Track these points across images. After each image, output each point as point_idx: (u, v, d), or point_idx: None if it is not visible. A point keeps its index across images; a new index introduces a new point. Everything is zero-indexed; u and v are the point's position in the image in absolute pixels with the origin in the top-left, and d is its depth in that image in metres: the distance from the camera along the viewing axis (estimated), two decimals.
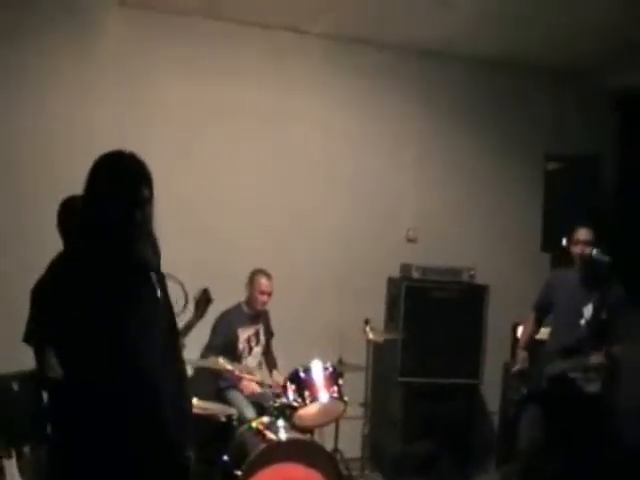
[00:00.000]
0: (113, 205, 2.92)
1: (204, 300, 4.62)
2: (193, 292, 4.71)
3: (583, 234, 5.20)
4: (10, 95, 6.17)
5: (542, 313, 5.60)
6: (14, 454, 5.50)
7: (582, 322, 5.14)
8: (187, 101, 6.63)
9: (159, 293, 3.00)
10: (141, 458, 2.96)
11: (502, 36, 6.70)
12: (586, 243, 5.15)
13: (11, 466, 5.45)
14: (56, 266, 3.48)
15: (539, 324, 5.64)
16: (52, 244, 3.73)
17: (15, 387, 4.81)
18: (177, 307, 2.98)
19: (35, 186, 6.03)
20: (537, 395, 5.27)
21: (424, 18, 6.40)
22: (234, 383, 6.03)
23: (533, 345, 5.55)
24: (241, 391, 5.99)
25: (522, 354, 5.54)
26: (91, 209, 2.99)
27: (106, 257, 2.91)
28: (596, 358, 4.97)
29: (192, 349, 5.20)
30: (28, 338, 3.97)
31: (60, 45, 6.30)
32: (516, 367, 5.55)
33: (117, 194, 2.93)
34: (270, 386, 6.06)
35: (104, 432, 2.90)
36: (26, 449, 4.92)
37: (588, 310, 5.14)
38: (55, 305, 3.04)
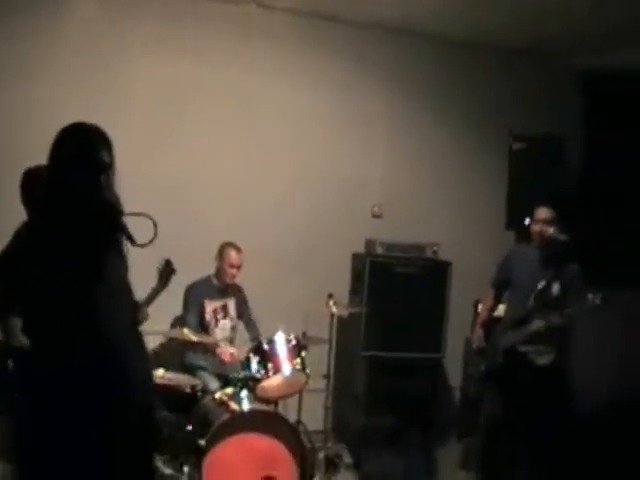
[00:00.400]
0: (77, 169, 3.02)
1: (167, 270, 4.66)
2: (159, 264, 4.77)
3: (543, 213, 5.26)
4: None
5: (500, 289, 5.66)
6: None
7: (533, 295, 5.24)
8: (158, 80, 6.64)
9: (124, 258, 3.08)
10: (112, 424, 3.02)
11: (469, 15, 6.74)
12: (546, 222, 5.20)
13: None
14: (20, 235, 3.53)
15: (497, 300, 5.70)
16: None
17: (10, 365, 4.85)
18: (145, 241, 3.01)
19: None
20: (494, 371, 5.37)
21: None
22: (205, 354, 6.09)
23: (491, 322, 5.63)
24: (217, 357, 6.00)
25: (479, 332, 5.60)
26: (55, 175, 3.07)
27: (71, 223, 2.97)
28: (537, 324, 5.09)
29: (158, 320, 5.23)
30: None
31: (29, 29, 6.25)
32: (474, 345, 5.64)
33: (80, 158, 3.03)
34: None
35: (72, 399, 2.96)
36: None
37: (541, 285, 5.25)
38: (21, 274, 3.09)
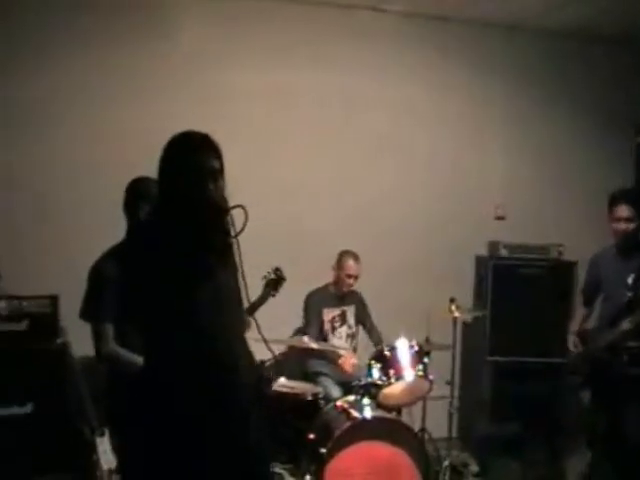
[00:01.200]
0: (187, 175, 3.02)
1: (276, 278, 4.64)
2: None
3: (624, 211, 5.12)
4: (106, 92, 6.30)
5: (591, 294, 5.48)
6: (107, 433, 5.66)
7: (627, 292, 5.00)
8: (269, 88, 6.65)
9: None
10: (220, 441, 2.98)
11: (593, 7, 6.51)
12: (629, 219, 5.09)
13: (103, 442, 5.59)
14: (123, 245, 3.58)
15: (591, 306, 5.52)
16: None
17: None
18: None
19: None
20: (598, 373, 5.14)
21: None
22: (325, 362, 6.04)
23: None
24: (339, 368, 5.95)
25: (574, 339, 5.42)
26: (166, 182, 3.09)
27: (182, 233, 2.95)
28: (626, 324, 4.88)
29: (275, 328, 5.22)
30: (85, 314, 4.07)
31: (142, 39, 6.39)
32: (572, 354, 5.43)
33: (188, 166, 3.04)
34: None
35: (174, 419, 2.94)
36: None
37: (631, 279, 5.00)
38: (128, 284, 3.10)
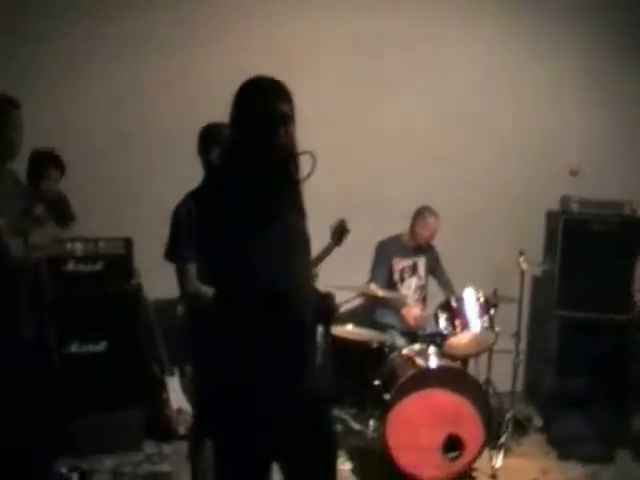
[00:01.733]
0: (257, 121, 3.01)
1: (340, 230, 4.67)
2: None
3: None
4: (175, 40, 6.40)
5: None
6: (177, 372, 5.81)
7: None
8: (340, 36, 6.66)
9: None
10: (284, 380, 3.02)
11: None
12: None
13: (173, 381, 5.76)
14: (200, 189, 3.65)
15: None
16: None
17: (180, 310, 5.04)
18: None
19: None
20: None
21: None
22: (392, 311, 6.10)
23: None
24: (402, 318, 6.03)
25: None
26: (237, 128, 3.09)
27: (251, 173, 2.99)
28: None
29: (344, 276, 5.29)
30: (169, 255, 4.16)
31: None
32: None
33: (258, 111, 3.02)
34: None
35: (246, 348, 3.00)
36: (188, 367, 5.17)
37: None
38: (202, 222, 3.17)
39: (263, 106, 3.04)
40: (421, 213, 6.20)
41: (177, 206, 4.13)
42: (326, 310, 3.80)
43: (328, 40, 6.64)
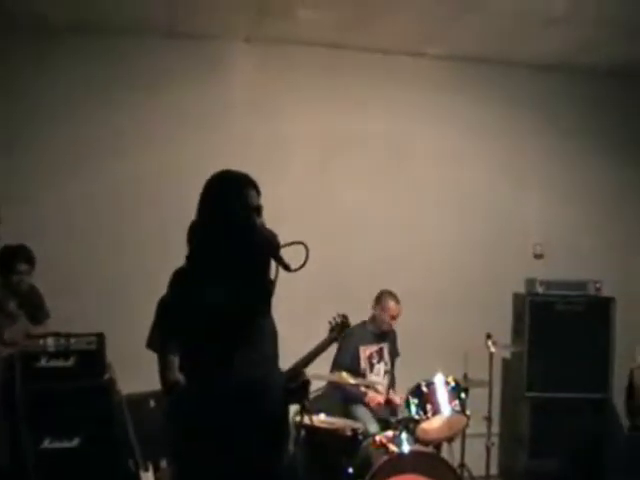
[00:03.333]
0: (230, 211, 3.13)
1: (342, 324, 4.74)
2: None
3: None
4: (151, 133, 6.64)
5: None
6: (151, 467, 5.76)
7: None
8: (315, 133, 6.88)
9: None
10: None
11: (620, 46, 6.59)
12: None
13: (147, 477, 5.70)
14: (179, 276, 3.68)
15: None
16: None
17: (152, 404, 5.04)
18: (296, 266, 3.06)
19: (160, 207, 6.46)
20: None
21: (540, 33, 6.40)
22: (360, 398, 6.12)
23: None
24: (367, 405, 6.06)
25: None
26: (210, 215, 3.19)
27: (232, 259, 3.08)
28: None
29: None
30: (150, 344, 4.17)
31: (191, 86, 6.69)
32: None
33: (237, 201, 3.15)
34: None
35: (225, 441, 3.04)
36: (163, 463, 5.15)
37: None
38: (182, 310, 3.21)
39: (242, 196, 3.16)
40: (381, 297, 6.28)
41: (162, 297, 4.16)
42: (299, 387, 3.82)
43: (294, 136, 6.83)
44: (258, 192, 3.24)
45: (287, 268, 3.08)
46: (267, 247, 3.07)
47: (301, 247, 3.10)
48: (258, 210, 3.19)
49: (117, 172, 6.49)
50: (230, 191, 3.19)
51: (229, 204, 3.15)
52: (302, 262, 3.06)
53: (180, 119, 6.64)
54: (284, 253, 3.10)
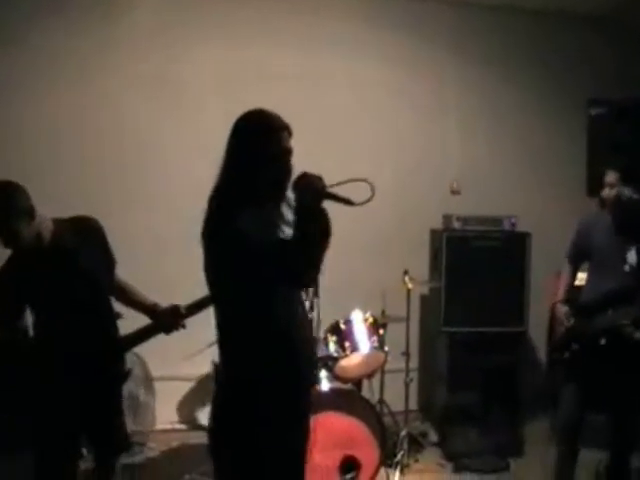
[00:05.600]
0: (278, 158, 3.11)
1: None
2: None
3: (610, 176, 5.03)
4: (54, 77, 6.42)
5: (578, 260, 5.38)
6: None
7: (626, 268, 4.92)
8: (225, 68, 6.69)
9: None
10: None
11: None
12: (612, 185, 4.98)
13: None
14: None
15: (575, 273, 5.44)
16: None
17: None
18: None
19: None
20: (591, 349, 5.01)
21: None
22: None
23: (571, 295, 5.36)
24: None
25: (563, 309, 5.27)
26: (248, 169, 3.08)
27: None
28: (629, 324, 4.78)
29: None
30: None
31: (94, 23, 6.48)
32: (563, 324, 5.29)
33: (274, 143, 3.11)
34: None
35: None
36: None
37: (632, 255, 4.90)
38: None
39: (281, 141, 3.13)
40: None
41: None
42: None
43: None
44: (290, 134, 3.18)
45: (349, 202, 3.05)
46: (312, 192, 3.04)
47: None
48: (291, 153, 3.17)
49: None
50: (271, 133, 3.11)
51: (271, 147, 3.09)
52: (368, 197, 3.02)
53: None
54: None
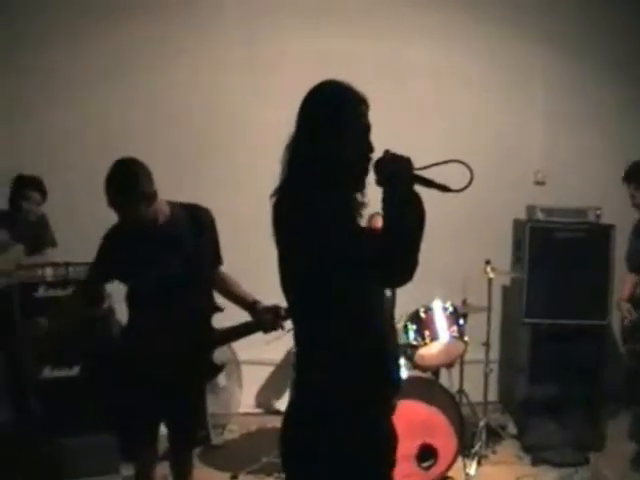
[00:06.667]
0: (355, 138, 2.78)
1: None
2: None
3: None
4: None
5: (636, 261, 5.40)
6: None
7: None
8: (305, 53, 6.74)
9: None
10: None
11: None
12: None
13: None
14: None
15: (638, 271, 5.44)
16: None
17: None
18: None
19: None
20: None
21: None
22: None
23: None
24: None
25: (625, 306, 5.32)
26: (331, 142, 2.72)
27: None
28: None
29: None
30: None
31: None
32: (626, 320, 5.33)
33: (363, 122, 2.83)
34: None
35: None
36: None
37: None
38: None
39: (362, 119, 2.84)
40: (373, 217, 6.22)
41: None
42: None
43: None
44: (368, 108, 2.89)
45: (445, 189, 2.79)
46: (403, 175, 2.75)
47: None
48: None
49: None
50: (354, 106, 2.83)
51: (354, 121, 2.80)
52: (466, 183, 2.77)
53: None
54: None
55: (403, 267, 2.69)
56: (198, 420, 4.24)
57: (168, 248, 3.85)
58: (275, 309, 3.95)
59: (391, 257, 2.60)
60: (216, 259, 4.16)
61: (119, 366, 3.99)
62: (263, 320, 4.00)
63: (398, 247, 2.61)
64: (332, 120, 2.73)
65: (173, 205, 3.98)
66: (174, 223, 3.91)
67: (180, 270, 3.84)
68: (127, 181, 3.76)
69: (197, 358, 3.97)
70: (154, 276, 3.84)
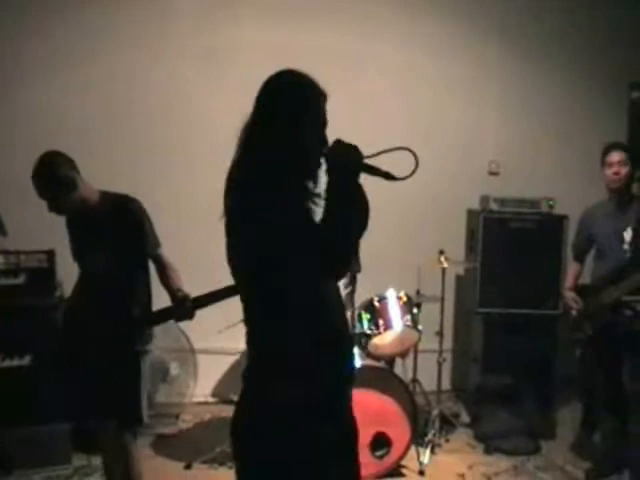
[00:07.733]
0: (312, 129, 2.70)
1: None
2: None
3: (613, 156, 5.15)
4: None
5: (583, 249, 5.52)
6: None
7: (624, 247, 5.05)
8: (263, 46, 6.64)
9: None
10: None
11: None
12: (619, 163, 5.10)
13: None
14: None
15: (582, 263, 5.56)
16: None
17: None
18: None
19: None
20: (603, 329, 5.14)
21: None
22: None
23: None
24: None
25: (570, 294, 5.41)
26: (286, 131, 2.64)
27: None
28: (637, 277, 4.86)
29: None
30: None
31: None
32: (573, 309, 5.41)
33: (314, 118, 2.73)
34: None
35: None
36: None
37: (628, 234, 5.05)
38: None
39: (320, 114, 2.77)
40: None
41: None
42: None
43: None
44: (326, 101, 2.79)
45: (389, 177, 2.73)
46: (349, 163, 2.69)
47: None
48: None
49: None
50: (315, 97, 2.75)
51: (314, 113, 2.72)
52: (411, 171, 2.71)
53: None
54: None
55: (340, 256, 2.65)
56: (129, 400, 4.20)
57: (94, 233, 4.08)
58: (183, 299, 4.07)
59: (329, 245, 2.56)
60: (143, 246, 4.21)
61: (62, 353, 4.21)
62: (175, 309, 4.11)
63: (337, 235, 2.58)
64: (290, 106, 2.67)
65: (104, 194, 4.19)
66: (99, 209, 4.11)
67: (105, 254, 4.01)
68: (42, 169, 4.01)
69: (118, 338, 4.05)
70: (87, 259, 4.15)
